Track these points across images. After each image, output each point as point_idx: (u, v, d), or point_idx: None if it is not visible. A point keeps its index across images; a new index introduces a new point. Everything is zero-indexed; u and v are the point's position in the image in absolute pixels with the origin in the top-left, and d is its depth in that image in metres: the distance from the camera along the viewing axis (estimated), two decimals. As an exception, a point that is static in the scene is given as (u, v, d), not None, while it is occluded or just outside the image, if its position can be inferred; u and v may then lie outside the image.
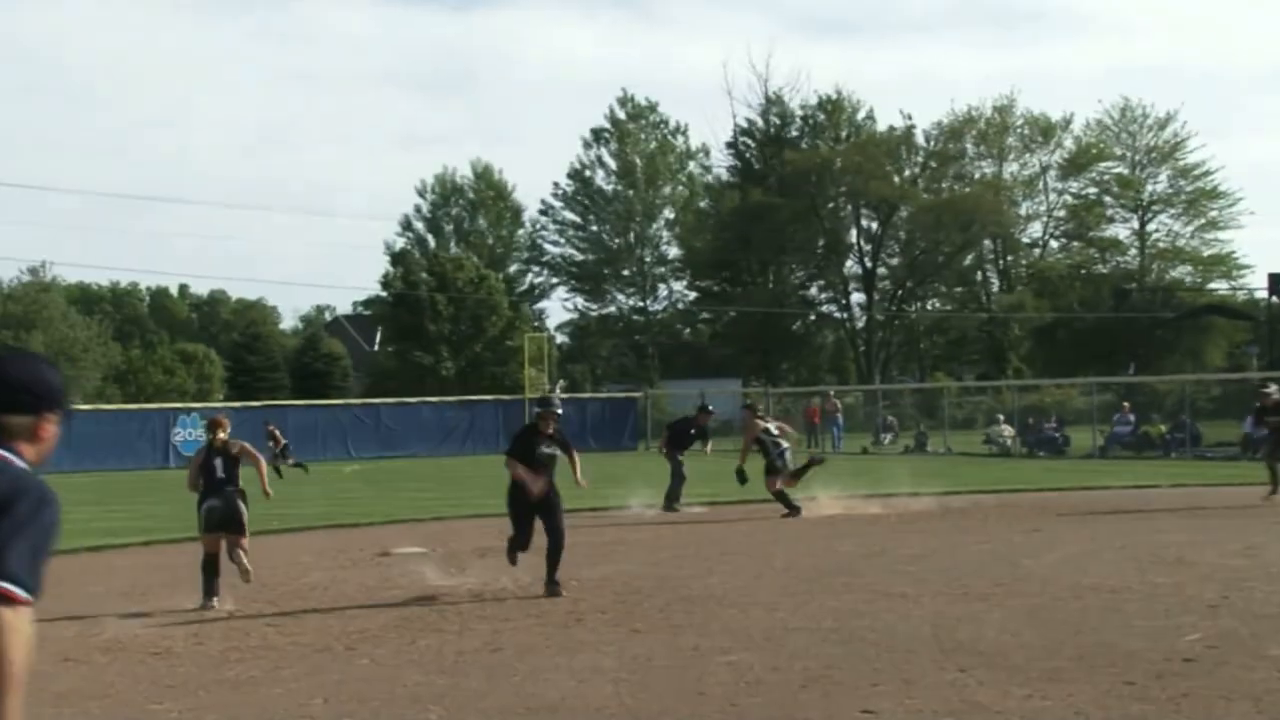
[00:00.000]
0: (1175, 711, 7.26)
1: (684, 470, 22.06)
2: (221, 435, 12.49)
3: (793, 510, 19.80)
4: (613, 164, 77.71)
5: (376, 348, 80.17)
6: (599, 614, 10.67)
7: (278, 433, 35.03)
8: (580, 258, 78.94)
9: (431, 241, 78.84)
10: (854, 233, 73.79)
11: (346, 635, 10.38)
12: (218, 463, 12.33)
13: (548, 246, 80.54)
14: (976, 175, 74.02)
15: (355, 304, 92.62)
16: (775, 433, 20.99)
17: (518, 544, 12.63)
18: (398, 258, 72.09)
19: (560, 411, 12.98)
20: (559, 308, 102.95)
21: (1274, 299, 47.44)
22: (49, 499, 3.10)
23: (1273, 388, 21.12)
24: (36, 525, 3.04)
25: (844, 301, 74.87)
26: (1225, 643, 9.20)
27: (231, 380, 70.31)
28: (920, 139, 73.07)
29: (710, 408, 25.45)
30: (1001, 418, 42.27)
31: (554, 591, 12.07)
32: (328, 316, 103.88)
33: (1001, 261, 75.28)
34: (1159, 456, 36.57)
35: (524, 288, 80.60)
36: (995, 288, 75.12)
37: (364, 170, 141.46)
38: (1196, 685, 7.91)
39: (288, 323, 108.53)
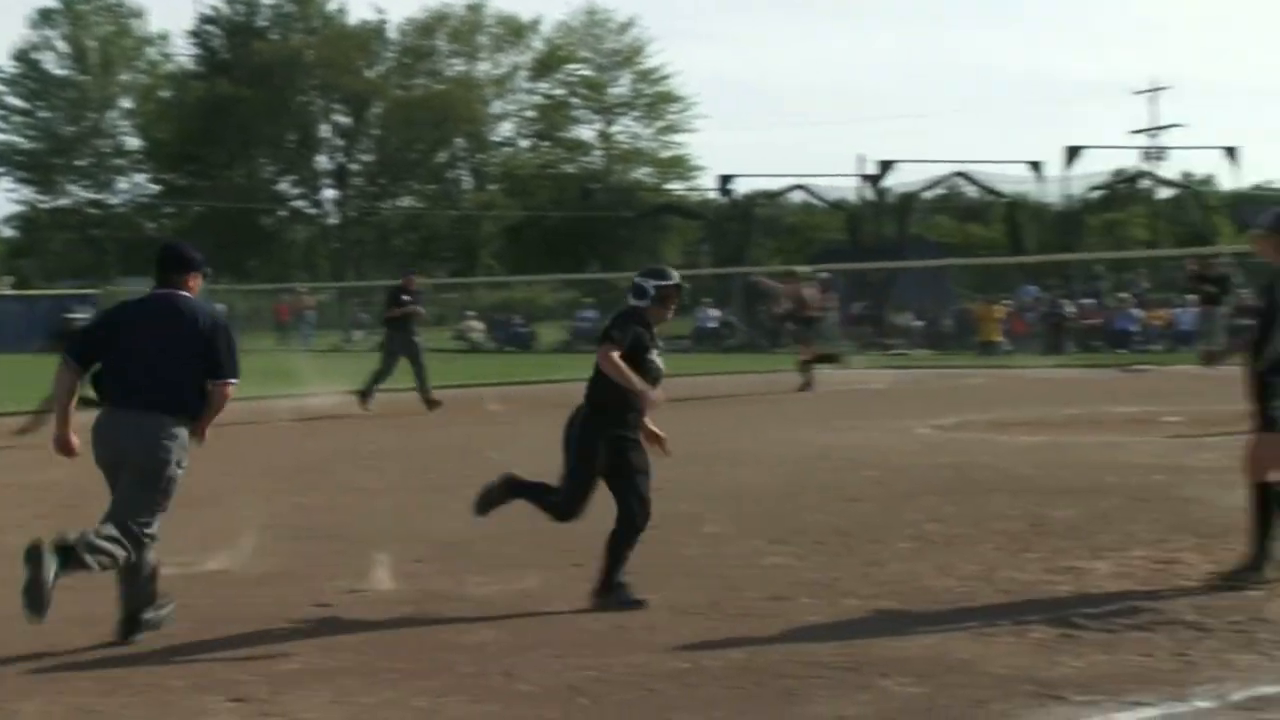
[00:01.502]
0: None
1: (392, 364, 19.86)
2: None
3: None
4: (64, 47, 72.58)
5: None
6: (41, 520, 10.06)
7: None
8: (28, 146, 73.38)
9: None
10: (326, 128, 72.61)
11: None
12: None
13: (-10, 133, 74.43)
14: (449, 73, 74.38)
15: None
16: None
17: (565, 508, 7.49)
18: None
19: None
20: (4, 199, 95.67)
21: (723, 199, 50.60)
22: (226, 322, 6.87)
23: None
24: (230, 339, 6.67)
25: (316, 198, 73.74)
26: (669, 522, 9.73)
27: None
28: (393, 34, 72.70)
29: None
30: (472, 314, 43.04)
31: (620, 601, 7.24)
32: None
33: (474, 160, 76.22)
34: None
35: (-38, 177, 74.23)
36: (468, 186, 76.05)
37: None
38: (639, 564, 8.35)
39: None
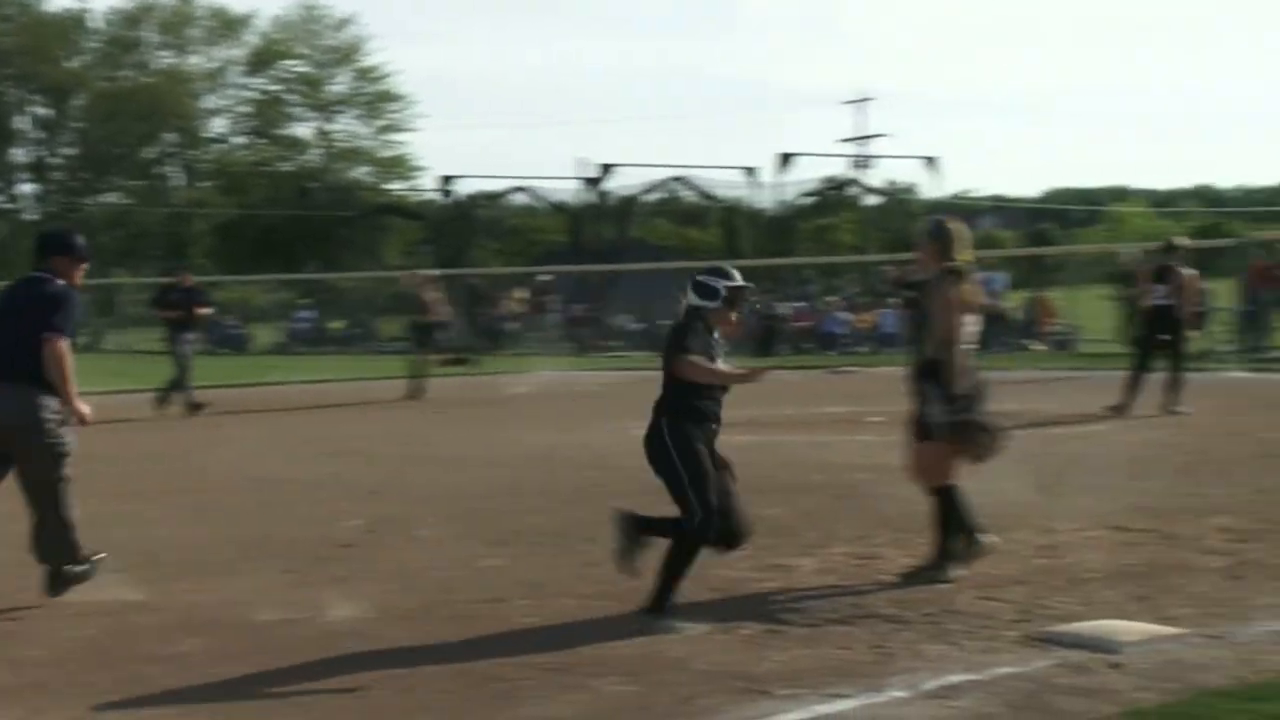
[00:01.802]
0: (334, 594, 7.50)
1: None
2: None
3: None
4: None
5: None
6: None
7: None
8: None
9: None
10: (23, 119, 69.21)
11: None
12: None
13: None
14: (158, 66, 71.82)
15: None
16: None
17: (701, 523, 6.94)
18: None
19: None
20: None
21: (444, 200, 50.29)
22: (72, 294, 7.28)
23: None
24: (69, 305, 7.18)
25: (11, 192, 70.23)
26: (382, 527, 9.67)
27: None
28: (98, 24, 69.83)
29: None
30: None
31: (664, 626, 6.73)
32: None
33: (185, 155, 73.76)
34: (338, 352, 37.74)
35: None
36: (178, 182, 73.53)
37: None
38: (353, 569, 8.25)
39: None
